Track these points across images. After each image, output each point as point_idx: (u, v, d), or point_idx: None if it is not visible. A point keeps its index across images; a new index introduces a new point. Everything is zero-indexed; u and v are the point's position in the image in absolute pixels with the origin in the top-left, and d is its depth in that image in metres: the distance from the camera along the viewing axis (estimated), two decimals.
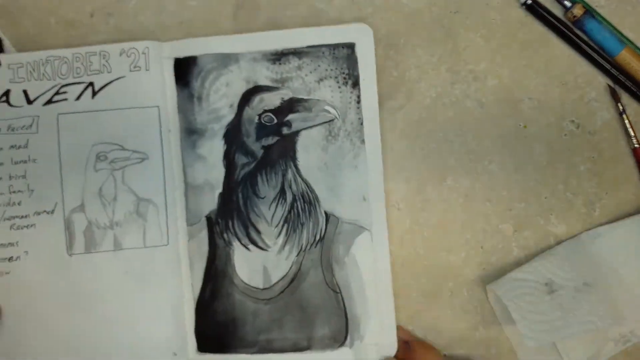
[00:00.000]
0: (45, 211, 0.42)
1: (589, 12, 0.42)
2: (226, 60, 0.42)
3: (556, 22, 0.42)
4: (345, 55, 0.42)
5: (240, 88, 0.42)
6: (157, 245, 0.42)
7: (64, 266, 0.42)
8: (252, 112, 0.42)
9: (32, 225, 0.42)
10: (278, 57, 0.42)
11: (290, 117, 0.42)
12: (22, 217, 0.42)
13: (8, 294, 0.42)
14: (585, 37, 0.43)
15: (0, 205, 0.42)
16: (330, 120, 0.42)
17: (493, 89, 0.43)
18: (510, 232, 0.43)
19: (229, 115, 0.42)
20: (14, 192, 0.42)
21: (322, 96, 0.42)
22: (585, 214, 0.43)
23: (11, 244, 0.42)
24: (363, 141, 0.42)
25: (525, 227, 0.41)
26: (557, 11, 0.43)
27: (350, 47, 0.42)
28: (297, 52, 0.42)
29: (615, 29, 0.42)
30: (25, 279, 0.42)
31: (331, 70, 0.42)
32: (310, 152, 0.42)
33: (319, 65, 0.42)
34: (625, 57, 0.42)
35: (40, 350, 0.42)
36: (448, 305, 0.43)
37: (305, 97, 0.42)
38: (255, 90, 0.42)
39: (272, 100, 0.42)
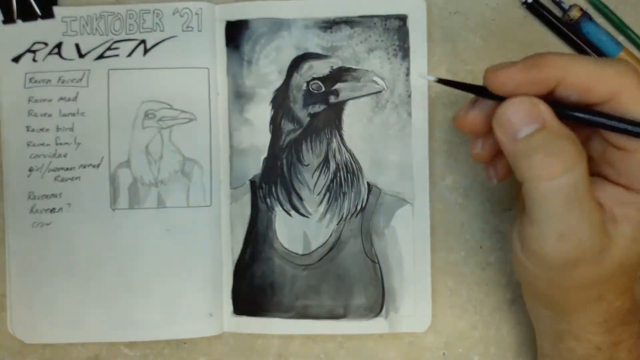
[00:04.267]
0: (91, 165, 0.42)
1: (586, 14, 0.42)
2: (277, 25, 0.42)
3: (557, 22, 0.42)
4: (396, 27, 0.42)
5: (290, 54, 0.43)
6: (200, 206, 0.42)
7: (107, 220, 0.42)
8: (300, 78, 0.42)
9: (77, 178, 0.42)
10: (329, 25, 0.43)
11: (338, 86, 0.42)
12: (67, 169, 0.42)
13: (48, 245, 0.42)
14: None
15: (46, 156, 0.42)
16: (378, 92, 0.42)
17: None
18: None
19: (277, 81, 0.43)
20: (60, 144, 0.42)
21: (371, 67, 0.42)
22: None
23: (54, 196, 0.42)
24: (410, 114, 0.42)
25: None
26: (557, 12, 0.43)
27: (403, 19, 0.42)
28: (348, 21, 0.42)
29: (621, 27, 0.42)
30: (66, 231, 0.42)
31: (382, 41, 0.43)
32: (356, 123, 0.43)
33: (369, 36, 0.43)
34: (623, 59, 0.42)
35: (74, 303, 0.42)
36: (447, 304, 0.43)
37: (354, 67, 0.42)
38: (304, 57, 0.43)
39: (321, 68, 0.42)
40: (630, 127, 0.28)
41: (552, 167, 0.27)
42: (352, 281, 0.42)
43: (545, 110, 0.28)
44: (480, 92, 0.32)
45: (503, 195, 0.43)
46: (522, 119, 0.28)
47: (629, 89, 0.27)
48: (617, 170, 0.29)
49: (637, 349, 0.34)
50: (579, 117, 0.28)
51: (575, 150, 0.27)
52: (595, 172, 0.31)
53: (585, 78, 0.27)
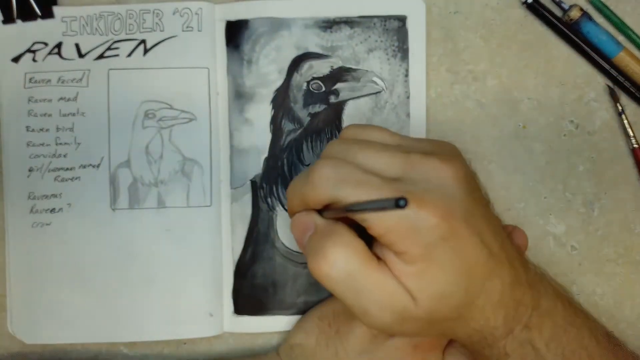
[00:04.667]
0: (91, 165, 0.42)
1: (586, 14, 0.42)
2: (278, 25, 0.42)
3: (557, 22, 0.42)
4: (396, 28, 0.43)
5: (290, 54, 0.43)
6: (200, 206, 0.42)
7: (107, 220, 0.42)
8: (300, 78, 0.43)
9: (77, 178, 0.42)
10: (329, 24, 0.43)
11: (338, 86, 0.42)
12: (67, 169, 0.42)
13: (48, 245, 0.42)
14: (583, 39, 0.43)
15: (46, 156, 0.42)
16: (377, 92, 0.43)
17: (492, 89, 0.43)
18: None
19: (277, 81, 0.43)
20: (60, 144, 0.42)
21: (370, 67, 0.43)
22: (584, 213, 0.43)
23: (54, 196, 0.42)
24: (409, 115, 0.43)
25: (524, 227, 0.41)
26: (557, 12, 0.43)
27: (402, 19, 0.43)
28: (348, 21, 0.43)
29: (621, 27, 0.42)
30: (66, 231, 0.42)
31: (381, 41, 0.43)
32: (355, 123, 0.43)
33: (369, 36, 0.43)
34: (623, 59, 0.42)
35: (74, 303, 0.42)
36: None
37: (354, 67, 0.43)
38: (305, 57, 0.43)
39: (321, 67, 0.43)
40: (333, 211, 0.32)
41: (320, 267, 0.31)
42: None
43: (315, 217, 0.33)
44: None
45: (502, 195, 0.43)
46: (300, 231, 0.33)
47: (315, 190, 0.32)
48: (379, 242, 0.32)
49: (530, 356, 0.34)
50: (326, 214, 0.33)
51: (332, 244, 0.31)
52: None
53: (300, 200, 0.33)
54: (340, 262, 0.31)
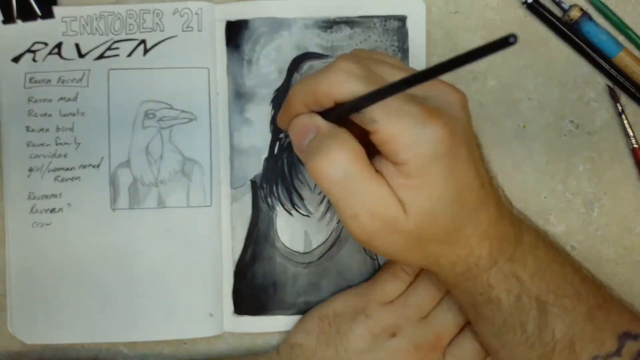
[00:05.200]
0: (91, 165, 0.42)
1: (586, 14, 0.42)
2: (278, 25, 0.42)
3: (557, 22, 0.42)
4: (396, 28, 0.43)
5: (291, 54, 0.43)
6: (200, 206, 0.42)
7: (107, 220, 0.42)
8: (300, 78, 0.43)
9: (77, 178, 0.42)
10: (330, 25, 0.43)
11: None
12: (67, 169, 0.42)
13: (48, 245, 0.42)
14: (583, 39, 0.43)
15: (46, 156, 0.42)
16: None
17: (492, 89, 0.43)
18: None
19: (277, 81, 0.43)
20: (60, 144, 0.42)
21: None
22: (584, 213, 0.43)
23: (54, 196, 0.42)
24: None
25: None
26: (557, 12, 0.43)
27: (402, 19, 0.43)
28: (348, 22, 0.43)
29: (621, 27, 0.42)
30: (66, 231, 0.42)
31: (381, 41, 0.43)
32: None
33: (369, 36, 0.43)
34: (623, 59, 0.42)
35: (74, 303, 0.42)
36: None
37: None
38: (305, 57, 0.43)
39: (321, 67, 0.42)
40: (343, 110, 0.31)
41: (320, 164, 0.31)
42: (352, 277, 0.43)
43: (317, 120, 0.32)
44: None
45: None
46: (301, 133, 0.33)
47: (337, 86, 0.31)
48: (380, 149, 0.32)
49: (516, 287, 0.34)
50: (331, 116, 0.32)
51: (336, 145, 0.31)
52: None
53: (310, 95, 0.32)
54: (341, 163, 0.31)
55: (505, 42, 0.22)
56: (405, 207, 0.31)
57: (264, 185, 0.43)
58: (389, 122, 0.30)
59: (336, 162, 0.31)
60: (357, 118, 0.31)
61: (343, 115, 0.32)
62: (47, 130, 0.42)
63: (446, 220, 0.32)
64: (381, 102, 0.29)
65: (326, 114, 0.33)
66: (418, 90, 0.31)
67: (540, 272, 0.35)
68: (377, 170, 0.31)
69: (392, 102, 0.30)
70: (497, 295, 0.34)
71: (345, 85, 0.31)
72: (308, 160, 0.32)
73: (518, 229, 0.35)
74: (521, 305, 0.34)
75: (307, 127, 0.33)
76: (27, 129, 0.42)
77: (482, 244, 0.33)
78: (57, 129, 0.42)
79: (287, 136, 0.43)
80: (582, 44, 0.42)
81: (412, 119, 0.30)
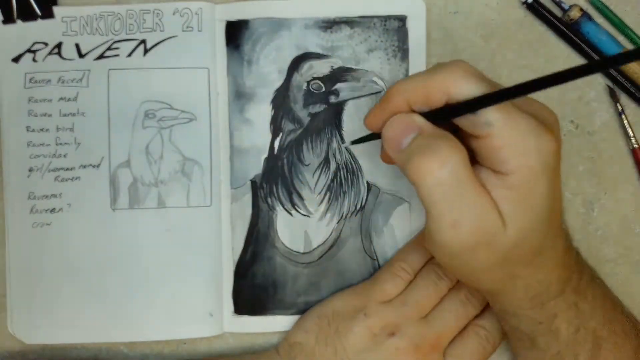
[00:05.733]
0: (91, 165, 0.42)
1: (586, 14, 0.42)
2: (278, 25, 0.42)
3: (557, 22, 0.42)
4: (396, 28, 0.43)
5: (290, 54, 0.43)
6: (200, 206, 0.42)
7: (107, 220, 0.42)
8: (300, 78, 0.43)
9: (77, 178, 0.42)
10: (329, 25, 0.43)
11: (338, 86, 0.43)
12: (67, 169, 0.42)
13: (48, 245, 0.42)
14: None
15: (46, 156, 0.42)
16: (377, 92, 0.43)
17: None
18: None
19: (277, 81, 0.43)
20: (60, 144, 0.42)
21: (371, 67, 0.43)
22: (584, 213, 0.43)
23: (54, 196, 0.42)
24: None
25: None
26: (557, 12, 0.43)
27: (402, 19, 0.43)
28: (348, 21, 0.43)
29: (621, 27, 0.42)
30: (66, 231, 0.42)
31: (381, 41, 0.43)
32: (355, 123, 0.43)
33: (369, 36, 0.43)
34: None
35: (74, 303, 0.42)
36: None
37: (354, 67, 0.43)
38: (305, 57, 0.43)
39: (321, 68, 0.43)
40: (456, 110, 0.30)
41: (429, 164, 0.29)
42: (352, 277, 0.43)
43: (419, 120, 0.31)
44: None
45: None
46: (401, 132, 0.31)
47: (454, 82, 0.30)
48: (482, 157, 0.31)
49: (576, 319, 0.34)
50: (440, 115, 0.31)
51: (448, 145, 0.29)
52: (478, 162, 0.32)
53: (420, 91, 0.31)
54: (452, 164, 0.29)
55: None
56: (504, 221, 0.30)
57: (264, 185, 0.43)
58: (506, 127, 0.29)
59: (448, 163, 0.29)
60: (467, 121, 0.30)
61: (453, 115, 0.30)
62: (47, 130, 0.42)
63: (537, 240, 0.31)
64: (498, 105, 0.28)
65: (426, 115, 0.31)
66: (521, 106, 0.30)
67: (598, 307, 0.34)
68: None
69: (509, 107, 0.29)
70: (558, 325, 0.33)
71: (463, 82, 0.30)
72: (411, 159, 0.30)
73: (580, 261, 0.35)
74: (578, 338, 0.34)
75: (407, 125, 0.31)
76: (27, 129, 0.42)
77: (555, 271, 0.32)
78: (57, 129, 0.42)
79: (287, 136, 0.43)
80: (582, 44, 0.42)
81: (529, 127, 0.29)
